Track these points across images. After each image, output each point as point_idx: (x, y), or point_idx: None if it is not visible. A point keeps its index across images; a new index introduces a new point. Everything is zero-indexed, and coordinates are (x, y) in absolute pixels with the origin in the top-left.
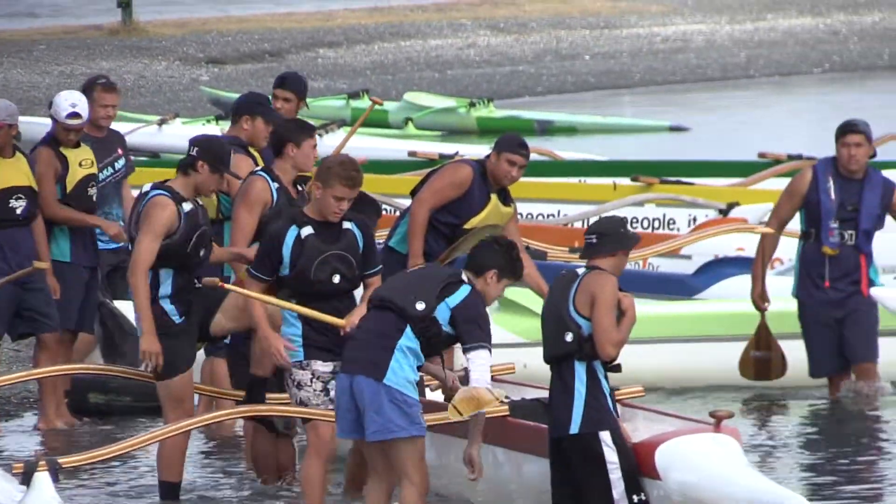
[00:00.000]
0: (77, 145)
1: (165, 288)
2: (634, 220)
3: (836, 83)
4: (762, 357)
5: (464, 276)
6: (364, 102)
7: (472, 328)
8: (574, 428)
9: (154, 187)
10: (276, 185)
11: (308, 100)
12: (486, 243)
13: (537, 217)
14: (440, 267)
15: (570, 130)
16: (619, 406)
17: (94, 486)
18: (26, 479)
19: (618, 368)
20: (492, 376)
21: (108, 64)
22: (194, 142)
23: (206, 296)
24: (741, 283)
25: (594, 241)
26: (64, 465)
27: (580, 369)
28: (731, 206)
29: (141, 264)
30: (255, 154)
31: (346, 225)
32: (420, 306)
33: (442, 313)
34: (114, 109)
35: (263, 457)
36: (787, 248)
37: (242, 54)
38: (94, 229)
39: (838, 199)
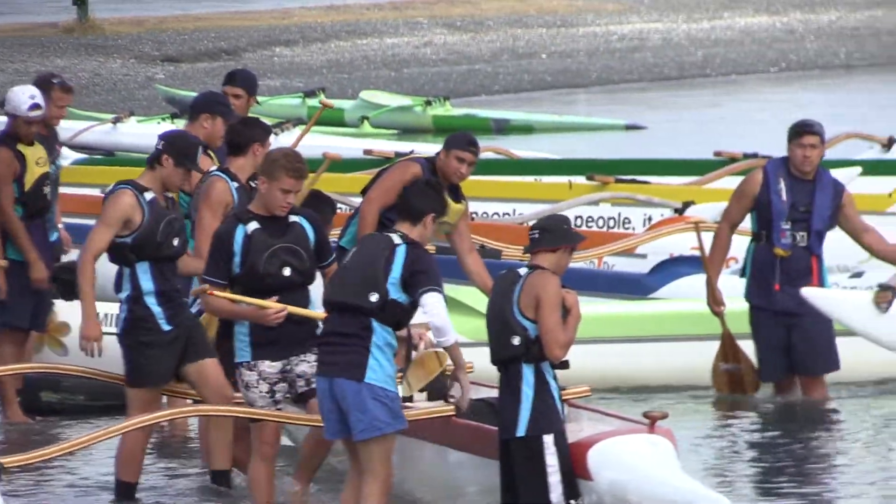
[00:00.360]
0: (32, 143)
1: (147, 283)
2: (590, 219)
3: (792, 82)
4: (733, 370)
5: (395, 237)
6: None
7: (419, 277)
8: (520, 431)
9: (118, 183)
10: (236, 184)
11: (263, 98)
12: (418, 190)
13: (493, 216)
14: (371, 241)
15: (527, 129)
16: (565, 406)
17: (47, 485)
18: None
19: (566, 365)
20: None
21: (63, 62)
22: (162, 136)
23: (196, 330)
24: (696, 282)
25: (536, 235)
26: (7, 466)
27: (528, 372)
28: (686, 204)
29: (89, 250)
30: (212, 154)
31: (294, 218)
32: (374, 297)
33: (394, 289)
34: (66, 110)
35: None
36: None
37: (198, 52)
38: (47, 227)
39: (790, 200)
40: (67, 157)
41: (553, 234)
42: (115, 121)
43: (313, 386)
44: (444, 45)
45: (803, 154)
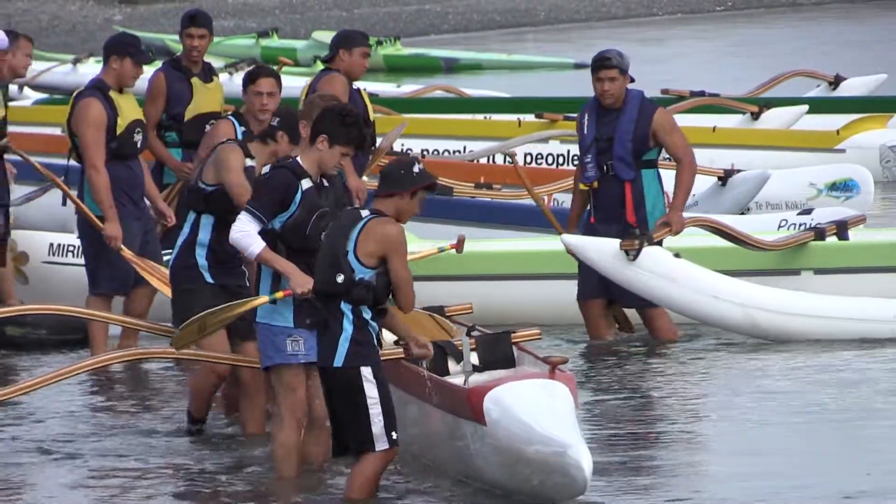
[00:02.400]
0: None
1: (204, 234)
2: (539, 156)
3: (738, 20)
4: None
5: (268, 167)
6: (273, 41)
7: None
8: (338, 361)
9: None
10: (242, 128)
11: (217, 39)
12: (323, 113)
13: (443, 153)
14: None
15: (476, 68)
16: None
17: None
18: None
19: (384, 312)
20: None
21: (24, 4)
22: (276, 113)
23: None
24: None
25: (378, 180)
26: None
27: (346, 309)
28: None
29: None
30: (114, 97)
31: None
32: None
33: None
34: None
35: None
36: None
37: None
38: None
39: (593, 133)
40: (29, 97)
41: (388, 178)
42: (75, 62)
43: None
44: None
45: (602, 88)
